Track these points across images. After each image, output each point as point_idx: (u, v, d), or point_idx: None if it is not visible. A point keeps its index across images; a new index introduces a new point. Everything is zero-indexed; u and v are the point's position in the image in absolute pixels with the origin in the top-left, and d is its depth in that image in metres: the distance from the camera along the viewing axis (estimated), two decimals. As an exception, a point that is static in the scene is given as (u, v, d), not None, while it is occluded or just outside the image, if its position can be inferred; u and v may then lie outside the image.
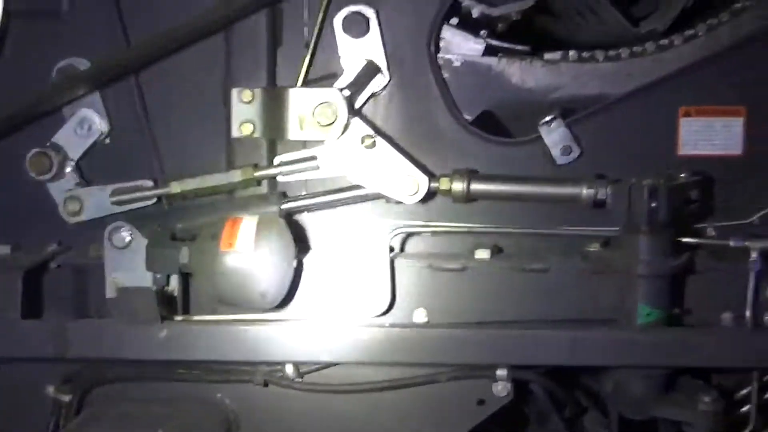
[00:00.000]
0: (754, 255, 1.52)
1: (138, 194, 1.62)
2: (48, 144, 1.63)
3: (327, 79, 1.61)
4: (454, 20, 1.68)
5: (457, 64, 1.68)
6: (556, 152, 1.59)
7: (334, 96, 1.52)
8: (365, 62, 1.59)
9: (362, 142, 1.55)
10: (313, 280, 1.58)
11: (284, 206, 1.59)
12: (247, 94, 1.55)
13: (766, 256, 1.54)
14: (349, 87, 1.56)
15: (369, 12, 1.58)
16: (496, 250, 1.63)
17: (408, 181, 1.55)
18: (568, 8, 1.78)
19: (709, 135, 1.61)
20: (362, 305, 1.54)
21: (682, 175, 1.54)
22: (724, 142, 1.61)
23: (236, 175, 1.58)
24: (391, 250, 1.58)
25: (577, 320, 1.58)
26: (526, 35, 1.76)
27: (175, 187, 1.59)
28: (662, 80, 1.63)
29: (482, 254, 1.60)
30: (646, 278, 1.48)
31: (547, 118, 1.59)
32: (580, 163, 1.60)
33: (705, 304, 1.59)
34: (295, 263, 1.50)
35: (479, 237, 1.63)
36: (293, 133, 1.54)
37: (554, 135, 1.59)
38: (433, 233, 1.65)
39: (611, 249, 1.58)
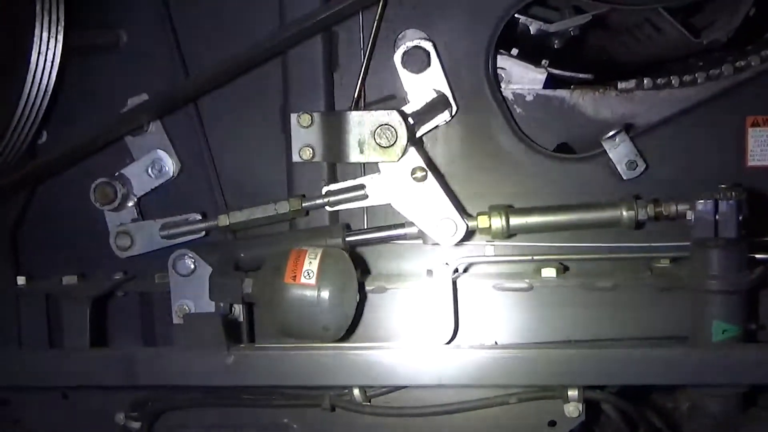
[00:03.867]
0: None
1: (187, 228, 1.64)
2: (116, 174, 1.65)
3: (384, 101, 1.62)
4: (514, 51, 1.66)
5: (529, 98, 1.66)
6: (621, 167, 1.58)
7: (393, 118, 1.51)
8: (434, 94, 1.58)
9: (413, 173, 1.54)
10: (377, 310, 1.58)
11: (348, 239, 1.58)
12: (305, 119, 1.55)
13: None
14: (413, 115, 1.55)
15: (428, 45, 1.57)
16: (562, 269, 1.61)
17: (446, 224, 1.54)
18: (626, 22, 1.74)
19: (778, 145, 1.58)
20: (427, 334, 1.53)
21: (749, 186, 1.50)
22: (795, 152, 1.58)
23: (284, 206, 1.59)
24: (455, 272, 1.56)
25: (646, 338, 1.56)
26: (583, 59, 1.73)
27: (223, 220, 1.60)
28: (728, 90, 1.60)
29: (548, 273, 1.58)
30: (721, 294, 1.44)
31: (611, 133, 1.57)
32: (646, 177, 1.58)
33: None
34: (357, 297, 1.49)
35: (544, 255, 1.61)
36: (353, 155, 1.53)
37: (619, 150, 1.57)
38: (497, 252, 1.64)
39: (680, 265, 1.55)
